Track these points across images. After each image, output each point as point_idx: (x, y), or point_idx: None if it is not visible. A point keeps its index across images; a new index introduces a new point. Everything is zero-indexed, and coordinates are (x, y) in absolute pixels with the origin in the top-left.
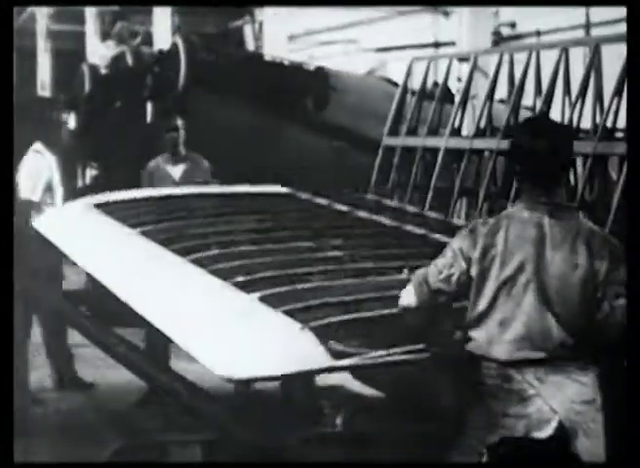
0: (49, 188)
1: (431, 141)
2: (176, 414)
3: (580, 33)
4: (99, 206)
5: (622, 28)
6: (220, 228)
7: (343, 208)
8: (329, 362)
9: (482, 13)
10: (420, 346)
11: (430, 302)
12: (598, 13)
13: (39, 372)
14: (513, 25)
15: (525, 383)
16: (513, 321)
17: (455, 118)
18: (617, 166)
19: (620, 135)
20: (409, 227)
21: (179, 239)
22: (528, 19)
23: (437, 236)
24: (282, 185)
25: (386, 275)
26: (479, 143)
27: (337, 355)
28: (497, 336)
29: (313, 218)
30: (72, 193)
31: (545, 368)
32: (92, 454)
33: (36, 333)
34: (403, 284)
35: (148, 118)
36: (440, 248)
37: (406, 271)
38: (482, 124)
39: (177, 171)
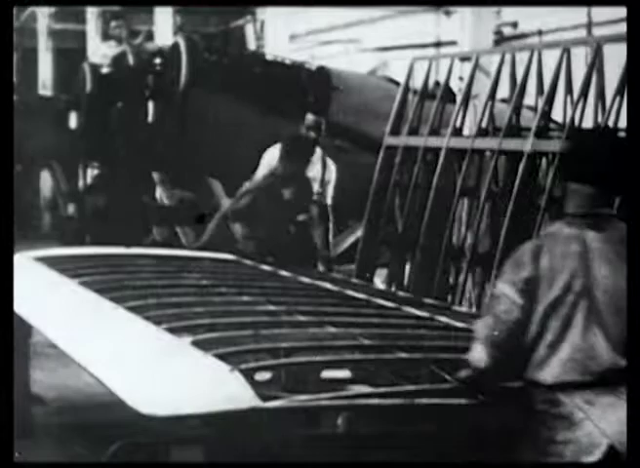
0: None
1: (433, 141)
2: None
3: (581, 33)
4: (40, 259)
5: (624, 28)
6: (159, 282)
7: (287, 273)
8: (256, 403)
9: (484, 12)
10: (350, 392)
11: (507, 353)
12: (600, 12)
13: (40, 372)
14: (515, 25)
15: (574, 407)
16: (562, 343)
17: (456, 118)
18: None
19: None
20: (351, 292)
21: (116, 289)
22: (530, 18)
23: (380, 301)
24: None
25: (322, 327)
26: (481, 143)
27: (265, 397)
28: (545, 360)
29: (254, 279)
30: (74, 192)
31: (595, 389)
32: (91, 454)
33: (37, 332)
34: (337, 336)
35: (150, 118)
36: (383, 310)
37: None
38: (484, 124)
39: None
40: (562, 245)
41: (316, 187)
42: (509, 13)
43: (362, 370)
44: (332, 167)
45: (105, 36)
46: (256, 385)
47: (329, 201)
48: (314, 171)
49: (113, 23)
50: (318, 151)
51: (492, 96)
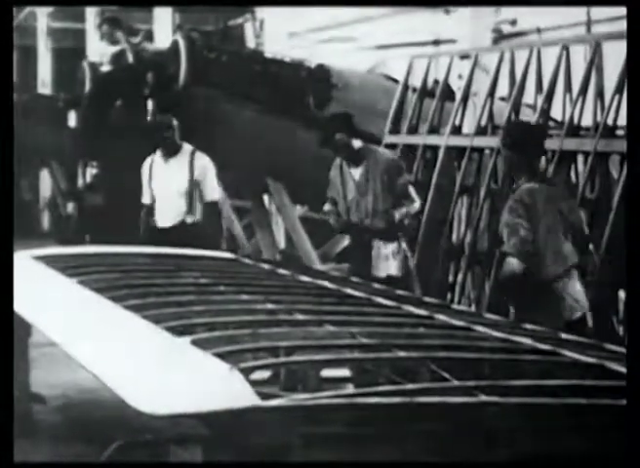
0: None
1: (432, 139)
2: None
3: (581, 30)
4: (39, 258)
5: (623, 26)
6: (158, 281)
7: (286, 272)
8: (256, 402)
9: (483, 10)
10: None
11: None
12: (599, 10)
13: (40, 371)
14: (514, 22)
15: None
16: None
17: (455, 116)
18: (617, 164)
19: (620, 132)
20: (350, 291)
21: (115, 288)
22: (529, 16)
23: (379, 300)
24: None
25: (321, 326)
26: (480, 141)
27: (264, 396)
28: None
29: (254, 278)
30: (73, 191)
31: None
32: (91, 454)
33: (37, 331)
34: (336, 335)
35: (149, 116)
36: (382, 309)
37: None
38: (483, 122)
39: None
40: None
41: (186, 185)
42: (508, 10)
43: (361, 369)
44: (203, 162)
45: (104, 36)
46: (255, 384)
47: (212, 197)
48: (180, 169)
49: (104, 28)
50: (186, 148)
51: (491, 93)
